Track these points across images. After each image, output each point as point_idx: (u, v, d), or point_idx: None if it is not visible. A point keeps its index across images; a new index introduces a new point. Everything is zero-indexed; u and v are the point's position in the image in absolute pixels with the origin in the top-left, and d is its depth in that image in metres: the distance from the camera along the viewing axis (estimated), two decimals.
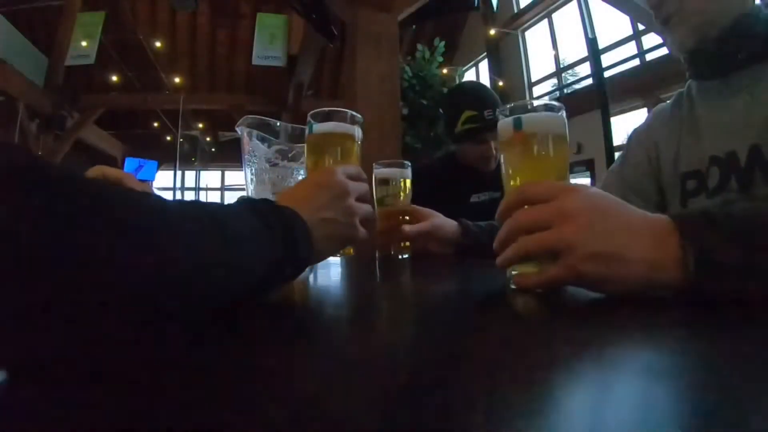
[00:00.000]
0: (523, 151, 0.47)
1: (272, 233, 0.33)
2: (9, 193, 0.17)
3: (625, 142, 0.82)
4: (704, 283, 0.32)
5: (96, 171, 0.46)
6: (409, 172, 0.94)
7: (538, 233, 0.37)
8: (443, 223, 0.89)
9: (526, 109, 0.48)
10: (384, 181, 0.92)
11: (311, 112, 0.60)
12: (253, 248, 0.31)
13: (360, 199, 0.48)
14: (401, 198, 0.92)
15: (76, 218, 0.19)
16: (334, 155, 0.59)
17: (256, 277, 0.31)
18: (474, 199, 1.25)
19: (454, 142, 1.34)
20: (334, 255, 0.55)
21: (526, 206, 0.40)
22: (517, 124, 0.47)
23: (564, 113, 0.48)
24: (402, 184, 0.93)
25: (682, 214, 0.35)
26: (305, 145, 0.61)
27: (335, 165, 0.55)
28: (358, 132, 0.61)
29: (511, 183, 0.48)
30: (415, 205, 0.92)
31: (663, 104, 0.79)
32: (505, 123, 0.48)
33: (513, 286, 0.42)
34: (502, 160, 0.50)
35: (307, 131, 0.61)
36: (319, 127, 0.60)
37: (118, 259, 0.20)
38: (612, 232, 0.35)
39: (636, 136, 0.79)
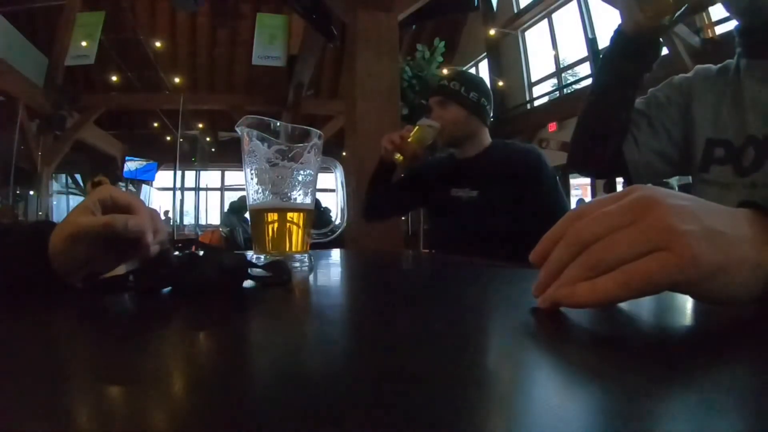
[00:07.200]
0: None
1: None
2: None
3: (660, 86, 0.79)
4: None
5: (104, 192, 0.41)
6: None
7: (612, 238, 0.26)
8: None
9: None
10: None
11: None
12: None
13: None
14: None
15: None
16: None
17: None
18: (454, 193, 1.29)
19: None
20: None
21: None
22: None
23: None
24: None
25: None
26: None
27: None
28: None
29: None
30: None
31: (707, 65, 0.76)
32: None
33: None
34: None
35: None
36: None
37: None
38: (705, 211, 0.26)
39: (672, 82, 0.77)
